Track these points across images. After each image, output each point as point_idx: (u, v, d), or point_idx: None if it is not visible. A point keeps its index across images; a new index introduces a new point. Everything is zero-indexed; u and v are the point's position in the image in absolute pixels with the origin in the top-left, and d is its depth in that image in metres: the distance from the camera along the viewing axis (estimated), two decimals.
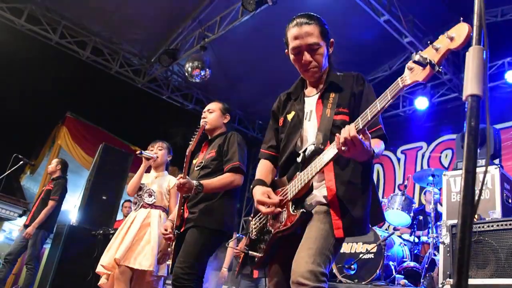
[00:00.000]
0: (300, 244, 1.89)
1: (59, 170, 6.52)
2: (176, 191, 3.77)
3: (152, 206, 3.95)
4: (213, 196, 3.10)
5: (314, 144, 2.01)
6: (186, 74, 7.40)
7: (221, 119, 3.46)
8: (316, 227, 1.91)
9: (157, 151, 4.13)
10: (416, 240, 5.45)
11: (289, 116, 2.21)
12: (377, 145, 1.93)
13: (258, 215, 2.23)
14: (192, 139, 3.17)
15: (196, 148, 3.28)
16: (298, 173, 2.01)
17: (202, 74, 7.26)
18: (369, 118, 1.69)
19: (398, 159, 8.41)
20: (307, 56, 2.08)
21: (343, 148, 1.71)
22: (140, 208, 3.94)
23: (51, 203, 6.07)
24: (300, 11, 2.21)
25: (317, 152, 1.94)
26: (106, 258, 3.69)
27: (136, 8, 7.47)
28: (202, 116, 3.44)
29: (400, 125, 8.55)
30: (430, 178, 5.38)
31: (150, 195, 3.97)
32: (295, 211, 1.96)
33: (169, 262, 3.09)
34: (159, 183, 4.07)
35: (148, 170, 4.20)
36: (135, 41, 8.40)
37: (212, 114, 3.43)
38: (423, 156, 8.12)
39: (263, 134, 10.54)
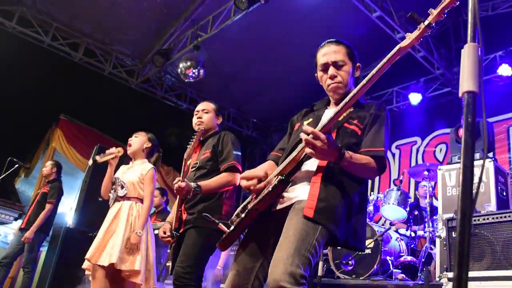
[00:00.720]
0: (278, 244, 1.82)
1: (54, 173, 6.50)
2: (151, 180, 3.77)
3: (125, 198, 3.76)
4: (211, 197, 3.10)
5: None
6: (180, 74, 7.40)
7: (215, 120, 3.45)
8: (294, 226, 1.83)
9: (133, 138, 3.98)
10: (413, 234, 5.49)
11: (306, 122, 2.24)
12: (357, 156, 1.93)
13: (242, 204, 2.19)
14: (190, 142, 3.15)
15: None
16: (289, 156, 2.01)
17: (195, 73, 7.26)
18: (363, 83, 1.83)
19: (393, 154, 8.45)
20: (332, 70, 2.17)
21: (308, 147, 1.78)
22: (114, 202, 3.79)
23: (48, 206, 6.04)
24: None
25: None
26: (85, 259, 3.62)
27: (128, 8, 7.45)
28: (197, 116, 3.40)
29: (394, 120, 8.54)
30: (425, 172, 5.42)
31: (122, 187, 3.79)
32: (275, 181, 1.92)
33: (169, 263, 3.09)
34: (131, 173, 3.88)
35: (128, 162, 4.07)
36: (127, 41, 8.38)
37: (207, 115, 3.40)
38: (417, 151, 8.17)
39: (257, 132, 10.65)
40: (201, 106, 3.47)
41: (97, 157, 3.99)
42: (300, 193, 1.97)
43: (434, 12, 1.66)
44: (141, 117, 9.12)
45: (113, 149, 3.99)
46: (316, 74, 2.30)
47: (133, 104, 9.16)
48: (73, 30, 8.02)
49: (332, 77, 2.17)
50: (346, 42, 2.27)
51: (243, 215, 2.02)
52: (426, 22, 1.67)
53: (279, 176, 1.92)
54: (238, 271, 2.02)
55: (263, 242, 2.04)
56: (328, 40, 2.28)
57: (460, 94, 0.96)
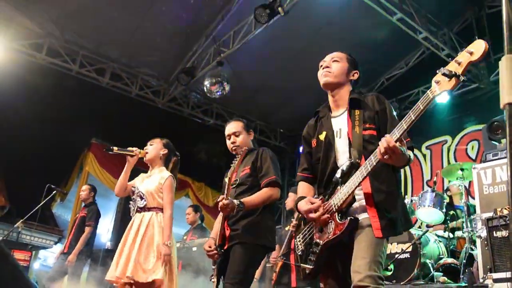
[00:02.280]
0: (354, 256, 2.15)
1: (91, 197, 6.68)
2: (170, 189, 3.74)
3: (145, 209, 3.73)
4: (253, 212, 3.14)
5: (351, 160, 2.24)
6: (206, 91, 7.51)
7: (248, 138, 3.47)
8: (364, 238, 2.16)
9: (148, 146, 3.95)
10: (451, 235, 5.40)
11: (321, 137, 2.47)
12: (410, 153, 2.20)
13: (302, 231, 2.44)
14: (234, 161, 3.18)
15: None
16: (338, 187, 2.23)
17: (221, 89, 7.36)
18: (405, 127, 1.98)
19: (424, 155, 8.34)
20: (326, 61, 2.53)
21: (385, 156, 1.98)
22: (136, 213, 3.77)
23: (87, 229, 6.21)
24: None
25: (354, 166, 2.20)
26: (109, 272, 3.62)
27: (150, 31, 7.64)
28: (231, 141, 3.43)
29: (422, 120, 8.32)
30: (459, 172, 5.34)
31: (141, 198, 3.76)
32: (343, 219, 2.19)
33: (214, 280, 3.14)
34: (149, 182, 3.84)
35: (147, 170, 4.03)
36: (152, 63, 8.58)
37: (240, 137, 3.41)
38: (448, 150, 8.05)
39: (285, 142, 10.68)
40: (231, 128, 3.46)
41: (114, 148, 3.83)
42: (360, 216, 2.25)
43: (464, 64, 1.80)
44: (169, 135, 9.26)
45: (134, 148, 3.88)
46: None
47: (161, 123, 9.31)
48: (99, 56, 8.26)
49: (325, 66, 2.52)
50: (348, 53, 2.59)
51: (317, 250, 2.29)
52: (461, 78, 1.80)
53: (349, 218, 2.18)
54: None
55: (337, 262, 2.35)
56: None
57: (501, 106, 0.98)
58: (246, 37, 7.10)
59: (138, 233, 3.63)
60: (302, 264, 2.37)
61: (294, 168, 10.54)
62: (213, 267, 3.24)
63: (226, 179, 3.19)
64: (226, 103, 9.35)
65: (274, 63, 8.12)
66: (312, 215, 2.28)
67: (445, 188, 7.23)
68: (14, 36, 7.38)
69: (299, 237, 2.46)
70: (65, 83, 8.11)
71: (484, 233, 4.02)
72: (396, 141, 1.99)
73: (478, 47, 1.75)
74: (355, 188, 2.15)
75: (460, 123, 7.99)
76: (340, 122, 2.44)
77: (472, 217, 4.96)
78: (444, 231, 5.55)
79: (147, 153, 3.89)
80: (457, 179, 5.53)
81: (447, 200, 5.70)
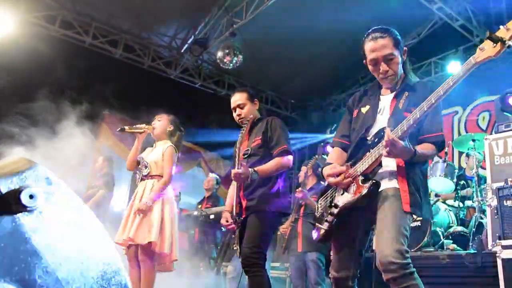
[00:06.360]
0: (379, 230, 2.14)
1: (106, 167, 6.88)
2: (170, 157, 3.99)
3: (148, 176, 3.99)
4: (267, 181, 3.26)
5: (384, 128, 2.19)
6: (219, 61, 7.54)
7: (253, 107, 3.54)
8: (390, 211, 2.13)
9: (156, 122, 4.22)
10: (461, 205, 5.51)
11: (364, 109, 2.45)
12: (424, 148, 2.19)
13: (324, 196, 2.45)
14: (241, 131, 3.32)
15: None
16: (367, 153, 2.22)
17: (234, 60, 7.39)
18: (425, 109, 1.98)
19: None
20: (384, 67, 2.33)
21: (386, 149, 1.99)
22: (140, 181, 4.03)
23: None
24: None
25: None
26: (117, 235, 3.87)
27: (162, 2, 7.62)
28: (236, 113, 3.51)
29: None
30: (471, 143, 5.40)
31: (145, 167, 4.02)
32: (365, 182, 2.17)
33: (236, 247, 3.30)
34: (153, 153, 4.11)
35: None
36: (164, 34, 8.60)
37: (245, 108, 3.49)
38: (459, 120, 8.08)
39: (296, 113, 10.72)
40: (236, 101, 3.54)
41: (126, 127, 4.21)
42: (385, 183, 2.23)
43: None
44: (181, 106, 9.35)
45: (143, 125, 4.21)
46: (364, 61, 2.42)
47: (173, 94, 9.39)
48: (112, 27, 8.29)
49: (384, 73, 2.32)
50: (391, 30, 2.37)
51: (335, 211, 2.27)
52: (507, 43, 1.76)
53: (371, 181, 2.15)
54: (340, 256, 2.35)
55: (352, 229, 2.34)
56: (373, 30, 2.37)
57: None
58: (260, 8, 7.07)
59: (142, 199, 3.87)
60: (317, 224, 2.39)
61: (305, 138, 10.64)
62: (233, 236, 3.39)
63: (236, 149, 3.32)
64: (238, 73, 9.37)
65: (286, 33, 8.08)
66: (333, 179, 2.29)
67: (459, 159, 7.33)
68: (28, 8, 7.40)
69: (321, 201, 2.47)
70: (78, 55, 8.17)
71: (494, 202, 4.12)
72: (408, 129, 2.01)
73: None
74: (380, 156, 2.14)
75: (471, 94, 7.94)
76: (386, 100, 2.40)
77: (482, 186, 5.05)
78: (454, 200, 5.66)
79: (154, 128, 4.17)
80: (468, 149, 5.59)
81: (457, 170, 5.79)
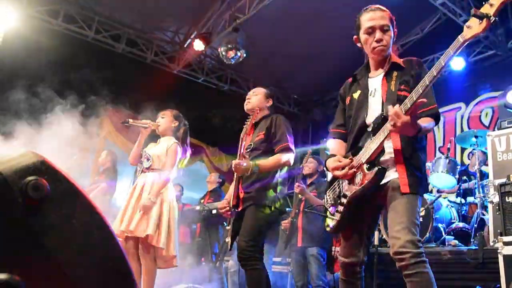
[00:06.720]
0: (391, 221, 2.18)
1: (109, 161, 6.87)
2: (174, 153, 3.99)
3: (149, 169, 3.99)
4: (266, 176, 3.30)
5: (382, 113, 2.23)
6: (221, 56, 7.53)
7: (264, 102, 3.60)
8: (399, 202, 2.18)
9: (160, 119, 4.21)
10: (463, 201, 5.51)
11: (355, 95, 2.48)
12: (425, 122, 2.20)
13: (331, 187, 2.47)
14: (246, 123, 3.35)
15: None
16: (369, 140, 2.24)
17: (237, 55, 7.38)
18: (421, 92, 1.99)
19: None
20: (379, 34, 2.37)
21: (391, 123, 2.00)
22: (141, 173, 4.03)
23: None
24: None
25: (385, 119, 2.16)
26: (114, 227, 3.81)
27: None
28: (247, 97, 3.63)
29: (436, 87, 8.34)
30: (473, 139, 5.40)
31: (147, 160, 4.02)
32: (371, 169, 2.19)
33: (228, 239, 3.32)
34: (157, 148, 4.12)
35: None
36: (166, 28, 8.60)
37: (256, 97, 3.59)
38: (462, 116, 8.06)
39: (298, 108, 10.71)
40: (252, 90, 3.69)
41: (130, 120, 4.21)
42: (390, 174, 2.26)
43: (496, 5, 1.80)
44: (184, 101, 9.35)
45: (148, 121, 4.19)
46: (355, 37, 2.49)
47: (175, 89, 9.38)
48: (115, 22, 8.28)
49: (379, 41, 2.35)
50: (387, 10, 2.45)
51: (344, 201, 2.30)
52: (492, 19, 1.79)
53: (376, 167, 2.17)
54: (348, 245, 2.40)
55: (362, 217, 2.38)
56: (372, 6, 2.44)
57: None
58: (262, 3, 7.06)
59: (142, 192, 3.89)
60: (329, 215, 2.41)
61: (307, 134, 10.63)
62: (228, 227, 3.42)
63: (240, 140, 3.38)
64: (241, 68, 9.36)
65: (288, 27, 8.07)
66: (338, 172, 2.31)
67: (461, 155, 7.33)
68: (30, 2, 7.40)
69: (329, 192, 2.50)
70: (81, 49, 8.17)
71: (496, 199, 4.11)
72: (408, 110, 2.01)
73: None
74: (384, 138, 2.15)
75: (474, 90, 7.94)
76: (376, 82, 2.43)
77: (484, 182, 5.05)
78: (456, 197, 5.66)
79: (159, 125, 4.16)
80: (470, 146, 5.59)
81: (459, 167, 5.79)
